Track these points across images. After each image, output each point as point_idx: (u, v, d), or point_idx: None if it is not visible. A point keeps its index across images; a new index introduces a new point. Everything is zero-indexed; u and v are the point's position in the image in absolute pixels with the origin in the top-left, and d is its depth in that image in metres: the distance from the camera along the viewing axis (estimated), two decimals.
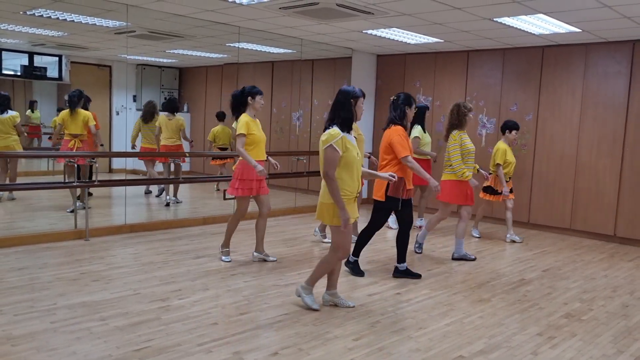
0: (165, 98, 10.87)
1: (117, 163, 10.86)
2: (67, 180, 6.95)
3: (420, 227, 7.35)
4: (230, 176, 5.65)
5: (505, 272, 5.70)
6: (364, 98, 4.19)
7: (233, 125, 9.35)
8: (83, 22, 7.38)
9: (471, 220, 7.06)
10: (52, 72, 10.22)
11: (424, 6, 5.80)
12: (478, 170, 6.51)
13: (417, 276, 5.30)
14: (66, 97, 7.58)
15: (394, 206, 5.08)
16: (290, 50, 9.48)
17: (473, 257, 6.14)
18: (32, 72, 10.04)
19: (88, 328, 3.71)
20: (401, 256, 5.30)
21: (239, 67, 10.68)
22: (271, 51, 9.69)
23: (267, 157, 5.62)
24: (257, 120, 5.44)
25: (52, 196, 8.52)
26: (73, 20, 7.30)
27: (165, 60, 11.46)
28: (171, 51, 10.02)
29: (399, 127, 5.11)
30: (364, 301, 4.54)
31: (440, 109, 8.93)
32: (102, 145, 7.84)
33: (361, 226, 5.60)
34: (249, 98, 5.32)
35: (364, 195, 8.83)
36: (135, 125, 8.73)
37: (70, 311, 4.01)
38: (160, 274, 5.07)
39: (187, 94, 12.25)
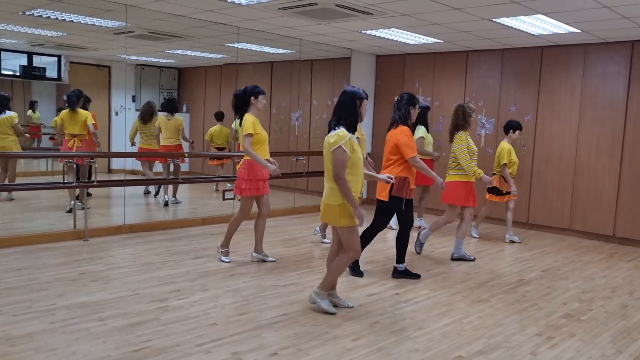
0: (164, 98, 10.87)
1: (116, 163, 10.86)
2: (66, 181, 6.95)
3: (419, 227, 7.35)
4: (229, 176, 5.64)
5: (504, 273, 5.70)
6: (367, 99, 4.21)
7: (232, 126, 9.41)
8: (82, 22, 7.37)
9: (472, 221, 7.05)
10: (51, 73, 10.22)
11: (423, 6, 5.80)
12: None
13: (416, 276, 5.30)
14: (65, 97, 7.58)
15: (397, 206, 5.07)
16: (289, 51, 9.48)
17: (472, 257, 6.14)
18: (31, 73, 10.04)
19: (87, 328, 3.71)
20: (400, 257, 5.30)
21: (238, 68, 10.68)
22: (270, 51, 9.69)
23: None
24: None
25: (51, 196, 8.52)
26: (72, 21, 7.29)
27: (164, 61, 11.46)
28: (170, 51, 10.02)
29: (405, 128, 5.11)
30: (363, 301, 4.54)
31: (440, 109, 8.94)
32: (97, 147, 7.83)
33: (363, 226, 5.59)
34: (252, 98, 5.31)
35: (364, 195, 8.83)
36: (133, 126, 8.72)
37: (69, 311, 4.00)
38: (159, 274, 5.06)
39: (186, 94, 12.25)
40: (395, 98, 5.25)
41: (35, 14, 6.92)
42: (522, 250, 6.80)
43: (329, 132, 4.03)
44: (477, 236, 7.35)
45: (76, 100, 7.41)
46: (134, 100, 11.26)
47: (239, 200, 5.68)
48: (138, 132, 8.62)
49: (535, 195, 8.04)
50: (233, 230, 5.57)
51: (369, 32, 7.44)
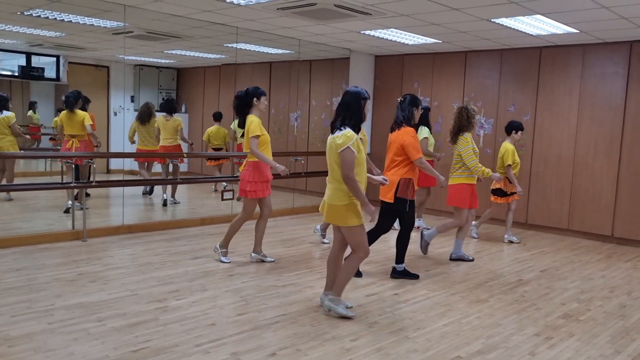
0: (163, 99, 10.87)
1: (114, 164, 10.86)
2: (64, 181, 6.94)
3: (418, 227, 7.35)
4: (228, 176, 5.64)
5: (503, 273, 5.70)
6: (369, 99, 4.21)
7: (231, 126, 9.42)
8: (81, 22, 7.37)
9: (474, 221, 7.06)
10: (50, 73, 10.22)
11: (422, 7, 5.81)
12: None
13: (415, 277, 5.30)
14: (63, 98, 7.58)
15: (402, 207, 5.07)
16: (288, 51, 9.48)
17: (471, 258, 6.14)
18: (29, 73, 10.03)
19: (85, 329, 3.71)
20: (400, 257, 5.31)
21: (237, 68, 10.68)
22: (269, 52, 9.69)
23: None
24: None
25: (49, 197, 8.51)
26: (71, 21, 7.29)
27: (163, 61, 11.45)
28: (169, 52, 10.02)
29: (411, 129, 5.11)
30: (362, 302, 4.54)
31: (438, 110, 8.94)
32: (97, 146, 7.81)
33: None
34: (254, 99, 5.31)
35: None
36: (132, 127, 8.72)
37: (68, 312, 4.00)
38: (158, 274, 5.06)
39: (185, 94, 12.25)
40: (398, 99, 5.26)
41: (34, 14, 6.92)
42: (520, 250, 6.81)
43: (332, 132, 4.01)
44: (476, 236, 7.35)
45: (74, 101, 7.40)
46: (132, 101, 11.25)
47: (238, 200, 5.68)
48: (136, 132, 8.63)
49: (534, 196, 8.04)
50: (235, 231, 5.57)
51: (367, 32, 7.45)
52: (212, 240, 6.37)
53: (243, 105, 5.33)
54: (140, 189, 9.26)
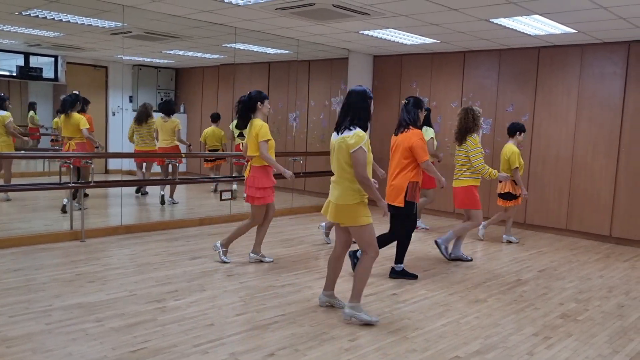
0: (161, 99, 10.87)
1: (113, 164, 10.84)
2: (62, 181, 6.93)
3: (417, 227, 7.34)
4: (227, 177, 5.64)
5: (501, 273, 5.71)
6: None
7: (230, 127, 9.41)
8: (79, 22, 7.36)
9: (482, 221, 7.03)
10: (48, 73, 10.19)
11: (420, 7, 5.81)
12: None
13: (414, 277, 5.31)
14: (60, 99, 7.57)
15: (410, 211, 5.11)
16: (286, 51, 9.48)
17: (469, 258, 6.15)
18: (27, 73, 10.02)
19: (84, 329, 3.70)
20: (399, 257, 5.31)
21: (236, 68, 10.68)
22: (267, 52, 9.69)
23: None
24: None
25: (48, 197, 8.50)
26: (69, 21, 7.28)
27: (161, 61, 11.44)
28: (167, 52, 10.01)
29: (418, 131, 5.13)
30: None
31: (437, 110, 8.94)
32: (97, 147, 7.79)
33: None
34: (258, 103, 5.32)
35: None
36: (130, 128, 8.72)
37: (66, 312, 4.00)
38: (156, 275, 5.06)
39: (184, 94, 12.24)
40: (403, 102, 5.29)
41: (32, 14, 6.91)
42: (519, 250, 6.82)
43: (337, 133, 3.98)
44: (482, 238, 7.30)
45: (70, 105, 7.34)
46: (131, 101, 11.23)
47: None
48: (135, 133, 8.63)
49: (532, 196, 8.05)
50: (240, 234, 5.56)
51: (366, 32, 7.45)
52: (211, 241, 6.37)
53: (247, 110, 5.34)
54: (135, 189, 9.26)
